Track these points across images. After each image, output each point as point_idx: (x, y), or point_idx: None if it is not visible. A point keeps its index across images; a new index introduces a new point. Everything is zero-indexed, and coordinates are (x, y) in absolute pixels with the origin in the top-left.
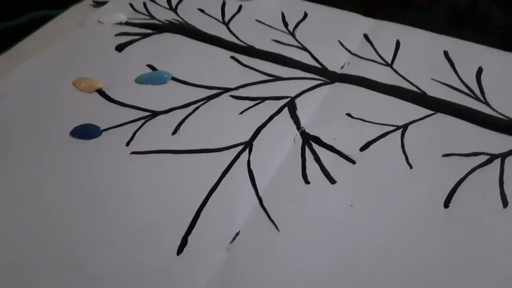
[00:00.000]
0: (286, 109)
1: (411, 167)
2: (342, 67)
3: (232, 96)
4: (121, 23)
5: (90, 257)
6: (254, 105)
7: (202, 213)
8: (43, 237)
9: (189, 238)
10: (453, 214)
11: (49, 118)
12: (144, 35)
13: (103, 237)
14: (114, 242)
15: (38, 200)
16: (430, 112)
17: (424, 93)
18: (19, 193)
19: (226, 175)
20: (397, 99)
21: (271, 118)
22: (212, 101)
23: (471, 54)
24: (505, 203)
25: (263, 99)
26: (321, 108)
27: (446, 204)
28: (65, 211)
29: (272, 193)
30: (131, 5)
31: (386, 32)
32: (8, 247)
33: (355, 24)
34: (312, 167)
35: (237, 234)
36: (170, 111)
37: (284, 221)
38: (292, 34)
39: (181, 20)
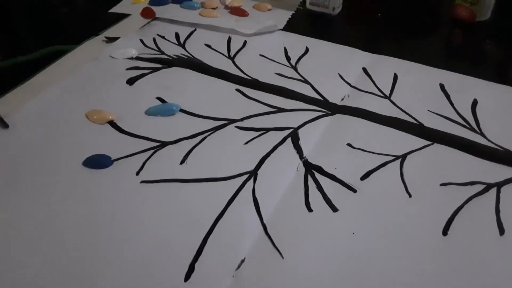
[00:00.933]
0: (289, 139)
1: (410, 195)
2: (342, 99)
3: (237, 127)
4: (132, 58)
5: (100, 284)
6: (259, 135)
7: (209, 240)
8: (55, 264)
9: (196, 265)
10: (451, 242)
11: (62, 149)
12: (154, 69)
13: (112, 263)
14: (123, 268)
15: (51, 228)
16: (427, 142)
17: (421, 124)
18: (33, 221)
19: (232, 203)
20: (396, 130)
21: (275, 148)
22: (218, 132)
23: (466, 87)
24: (501, 231)
25: (267, 130)
26: (323, 139)
27: (445, 232)
28: (77, 238)
29: (276, 221)
30: (141, 40)
31: (384, 66)
32: (24, 272)
33: (354, 58)
34: (314, 196)
35: (243, 261)
36: (178, 142)
37: (288, 248)
38: (295, 68)
39: (189, 55)
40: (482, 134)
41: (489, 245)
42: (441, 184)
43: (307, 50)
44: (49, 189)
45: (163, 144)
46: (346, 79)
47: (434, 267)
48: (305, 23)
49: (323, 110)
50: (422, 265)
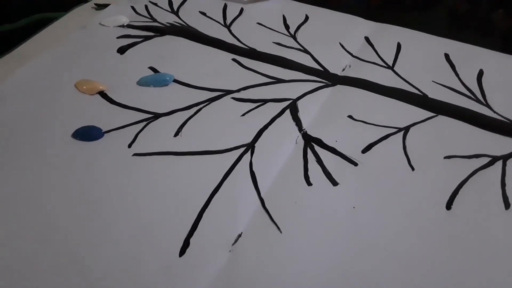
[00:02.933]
0: (288, 111)
1: (413, 169)
2: (343, 69)
3: (233, 98)
4: (122, 26)
5: (92, 259)
6: (256, 107)
7: (205, 214)
8: (45, 239)
9: (192, 240)
10: (455, 216)
11: (51, 120)
12: (146, 38)
13: (105, 239)
14: (116, 243)
15: (40, 202)
16: (431, 114)
17: (425, 96)
18: (21, 195)
19: (228, 177)
20: (399, 102)
21: (273, 120)
22: (214, 103)
23: (471, 57)
24: (507, 205)
25: (265, 101)
26: (322, 110)
27: (448, 206)
28: (67, 213)
29: (274, 195)
30: (132, 7)
31: (387, 35)
32: (10, 248)
33: (356, 27)
34: (314, 169)
35: (240, 235)
36: (172, 113)
37: (286, 223)
38: (294, 36)
39: (182, 22)
40: (487, 105)
41: (494, 219)
42: (445, 157)
43: (306, 18)
44: (37, 162)
45: (156, 116)
46: (347, 49)
47: (438, 242)
48: None
49: (323, 80)
50: (425, 239)
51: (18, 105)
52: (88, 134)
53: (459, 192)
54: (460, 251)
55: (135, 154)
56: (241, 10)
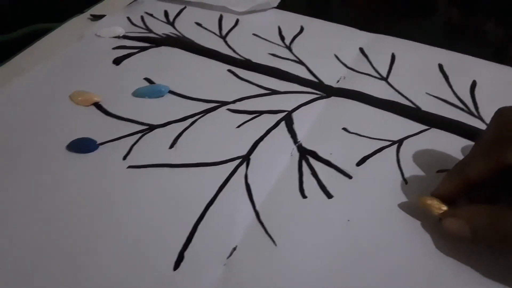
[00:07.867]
0: (283, 123)
1: (406, 182)
2: (338, 81)
3: (229, 109)
4: (118, 37)
5: (85, 272)
6: (251, 118)
7: (199, 227)
8: (39, 250)
9: (186, 253)
10: None
11: (45, 132)
12: (142, 49)
13: (98, 252)
14: (110, 257)
15: (34, 214)
16: (424, 127)
17: (418, 108)
18: (16, 207)
19: (223, 189)
20: (393, 114)
21: (268, 132)
22: (209, 115)
23: (465, 67)
24: None
25: (260, 112)
26: (317, 122)
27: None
28: (61, 225)
29: (269, 207)
30: (128, 18)
31: (381, 46)
32: (5, 259)
33: (350, 38)
34: (309, 182)
35: (234, 249)
36: (167, 125)
37: (281, 236)
38: (289, 48)
39: (178, 33)
40: (480, 117)
41: None
42: (437, 171)
43: (302, 29)
44: (31, 174)
45: (151, 128)
46: (342, 60)
47: (432, 254)
48: (299, 0)
49: (318, 92)
50: (419, 252)
51: (13, 116)
52: (82, 146)
53: None
54: (456, 263)
55: (130, 166)
56: (237, 21)
